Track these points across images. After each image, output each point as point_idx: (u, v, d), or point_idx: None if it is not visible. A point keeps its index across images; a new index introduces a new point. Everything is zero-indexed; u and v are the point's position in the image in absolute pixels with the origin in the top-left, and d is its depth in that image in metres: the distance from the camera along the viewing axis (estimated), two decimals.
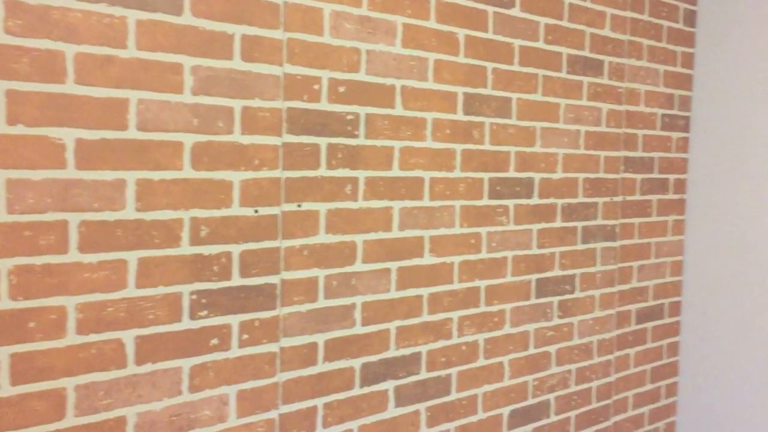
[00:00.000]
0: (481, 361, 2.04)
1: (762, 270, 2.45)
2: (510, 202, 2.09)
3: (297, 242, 1.63)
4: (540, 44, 2.11)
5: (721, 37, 2.53)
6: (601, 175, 2.34)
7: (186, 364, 1.48)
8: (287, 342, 1.63)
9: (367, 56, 1.72)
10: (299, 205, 1.63)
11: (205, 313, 1.50)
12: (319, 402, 1.69)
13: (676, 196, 2.61)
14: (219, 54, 1.49)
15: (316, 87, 1.64)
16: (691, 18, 2.58)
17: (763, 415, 2.47)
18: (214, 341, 1.51)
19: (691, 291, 2.65)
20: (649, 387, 2.59)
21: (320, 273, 1.67)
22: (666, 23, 2.49)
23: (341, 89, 1.68)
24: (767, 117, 2.42)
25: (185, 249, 1.46)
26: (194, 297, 1.48)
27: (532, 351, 2.19)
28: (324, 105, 1.65)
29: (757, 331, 2.47)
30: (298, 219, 1.63)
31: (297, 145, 1.62)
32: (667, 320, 2.63)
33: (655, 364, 2.60)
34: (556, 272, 2.23)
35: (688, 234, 2.65)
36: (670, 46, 2.52)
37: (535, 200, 2.15)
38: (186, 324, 1.47)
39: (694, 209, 2.63)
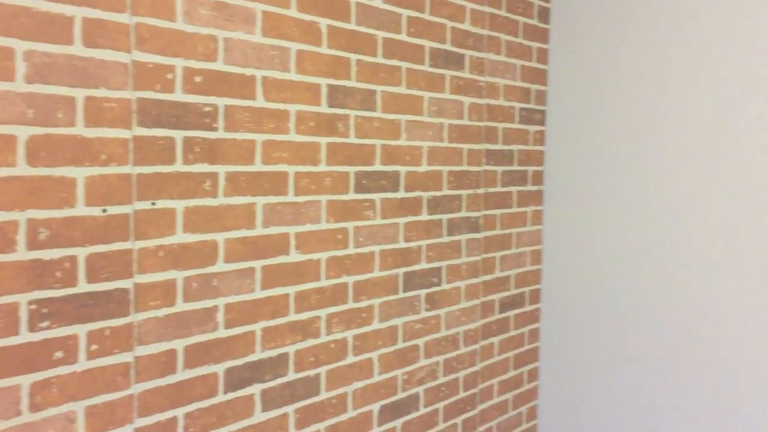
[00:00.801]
0: (351, 359, 2.01)
1: (614, 256, 2.58)
2: (376, 196, 2.06)
3: (151, 243, 1.52)
4: (403, 36, 2.10)
5: (573, 33, 2.63)
6: (465, 167, 2.37)
7: (25, 381, 1.33)
8: (143, 350, 1.51)
9: (224, 44, 1.63)
10: (153, 203, 1.52)
11: (46, 323, 1.35)
12: (180, 412, 1.59)
13: (535, 188, 2.70)
14: (57, 38, 1.35)
15: (169, 76, 1.53)
16: (545, 14, 2.67)
17: (618, 394, 2.60)
18: (59, 354, 1.38)
19: (550, 279, 2.75)
20: (512, 374, 2.66)
21: (178, 275, 1.57)
22: (522, 19, 2.56)
23: (197, 79, 1.58)
24: (617, 111, 2.55)
25: (22, 254, 1.31)
26: (33, 307, 1.33)
27: (401, 345, 2.18)
28: (179, 96, 1.55)
29: (611, 315, 2.61)
30: (153, 218, 1.52)
31: (149, 139, 1.50)
32: (528, 308, 2.72)
33: (517, 351, 2.68)
34: (423, 265, 2.24)
35: (545, 224, 2.75)
36: (526, 42, 2.59)
37: (401, 194, 2.14)
38: (24, 337, 1.33)
39: (551, 200, 2.73)
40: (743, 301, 2.32)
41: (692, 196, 2.40)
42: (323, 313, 1.92)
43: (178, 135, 1.55)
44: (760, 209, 2.27)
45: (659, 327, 2.50)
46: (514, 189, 2.59)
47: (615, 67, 2.55)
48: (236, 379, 1.71)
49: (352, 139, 1.97)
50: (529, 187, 2.67)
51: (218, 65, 1.62)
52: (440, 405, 2.34)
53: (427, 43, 2.18)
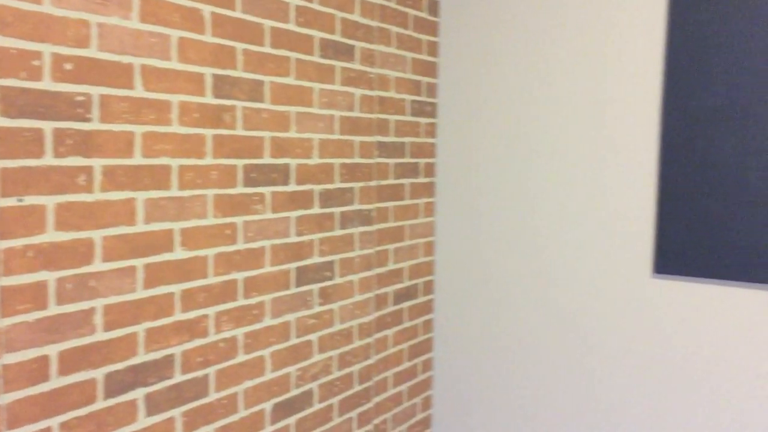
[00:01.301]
0: (241, 357, 1.95)
1: (505, 246, 2.64)
2: (266, 190, 2.01)
3: (19, 242, 1.41)
4: (291, 26, 2.05)
5: (462, 26, 2.66)
6: (357, 160, 2.35)
7: None
8: (11, 358, 1.41)
9: (98, 30, 1.53)
10: (20, 200, 1.41)
11: None
12: (54, 422, 1.49)
13: (427, 180, 2.72)
14: None
15: (36, 63, 1.42)
16: (435, 8, 2.69)
17: (511, 380, 2.67)
18: None
19: (443, 269, 2.78)
20: (406, 365, 2.68)
21: (50, 276, 1.47)
22: (412, 11, 2.56)
23: (68, 66, 1.48)
24: (504, 103, 2.60)
25: None
26: None
27: (293, 341, 2.14)
28: (47, 84, 1.44)
29: (503, 303, 2.66)
30: (20, 215, 1.41)
31: (14, 130, 1.39)
32: (421, 299, 2.74)
33: (411, 343, 2.70)
34: (316, 259, 2.20)
35: (438, 215, 2.78)
36: (417, 35, 2.60)
37: (292, 187, 2.10)
38: None
39: (443, 191, 2.76)
40: (627, 289, 2.42)
41: (579, 186, 2.49)
42: (211, 311, 1.85)
43: (48, 126, 1.45)
44: (635, 201, 2.38)
45: (549, 315, 2.57)
46: (406, 181, 2.60)
47: (502, 61, 2.60)
48: (117, 384, 1.62)
49: (240, 131, 1.91)
50: (422, 179, 2.69)
51: (91, 52, 1.52)
52: (335, 400, 2.32)
53: (317, 34, 2.14)
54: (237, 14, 1.87)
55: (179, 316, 1.76)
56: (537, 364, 2.61)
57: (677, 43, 2.27)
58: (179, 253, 1.75)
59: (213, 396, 1.87)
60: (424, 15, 2.62)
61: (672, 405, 2.37)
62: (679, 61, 2.27)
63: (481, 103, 2.65)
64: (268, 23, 1.97)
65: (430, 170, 2.73)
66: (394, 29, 2.47)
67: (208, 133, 1.81)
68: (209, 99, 1.81)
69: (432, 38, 2.69)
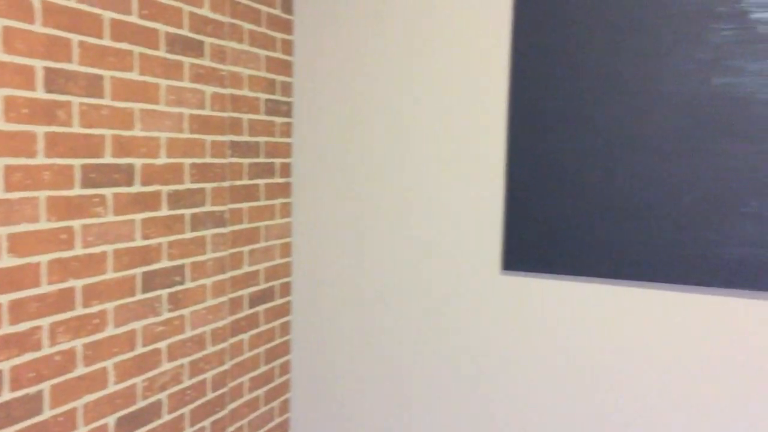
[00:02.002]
0: (81, 370, 1.83)
1: (362, 246, 2.65)
2: (108, 191, 1.89)
3: None
4: (134, 18, 1.94)
5: (316, 25, 2.64)
6: (208, 159, 2.27)
7: None
8: None
9: None
10: None
11: None
12: None
13: (283, 180, 2.68)
14: None
15: None
16: (288, 5, 2.65)
17: (370, 381, 2.68)
18: None
19: (300, 271, 2.75)
20: (263, 369, 2.62)
21: None
22: (265, 8, 2.51)
23: None
24: (360, 102, 2.61)
25: None
26: None
27: (140, 350, 2.03)
28: None
29: (361, 303, 2.67)
30: None
31: None
32: (278, 301, 2.69)
33: (268, 346, 2.65)
34: (165, 263, 2.11)
35: (294, 216, 2.74)
36: (270, 32, 2.55)
37: (137, 188, 1.99)
38: None
39: (299, 192, 2.73)
40: (478, 286, 2.50)
41: (430, 186, 2.53)
42: (45, 322, 1.72)
43: None
44: (485, 201, 2.46)
45: (404, 313, 2.61)
46: (261, 182, 2.55)
47: (357, 60, 2.60)
48: None
49: (77, 129, 1.78)
50: (277, 180, 2.64)
51: None
52: (186, 409, 2.23)
53: (163, 27, 2.05)
54: (71, 4, 1.75)
55: (7, 329, 1.62)
56: (394, 363, 2.64)
57: (522, 50, 2.37)
58: (7, 261, 1.61)
59: (48, 413, 1.74)
60: (277, 12, 2.58)
61: (522, 395, 2.47)
62: (524, 67, 2.37)
63: (337, 102, 2.64)
64: (108, 14, 1.86)
65: (286, 170, 2.69)
66: (247, 26, 2.41)
67: (40, 130, 1.68)
68: (40, 94, 1.68)
69: (287, 36, 2.65)
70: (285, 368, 2.77)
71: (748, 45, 2.13)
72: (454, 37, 2.46)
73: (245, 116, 2.43)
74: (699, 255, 2.21)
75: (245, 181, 2.45)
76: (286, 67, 2.65)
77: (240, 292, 2.46)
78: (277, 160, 2.64)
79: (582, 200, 2.33)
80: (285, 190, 2.70)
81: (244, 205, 2.46)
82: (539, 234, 2.39)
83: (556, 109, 2.34)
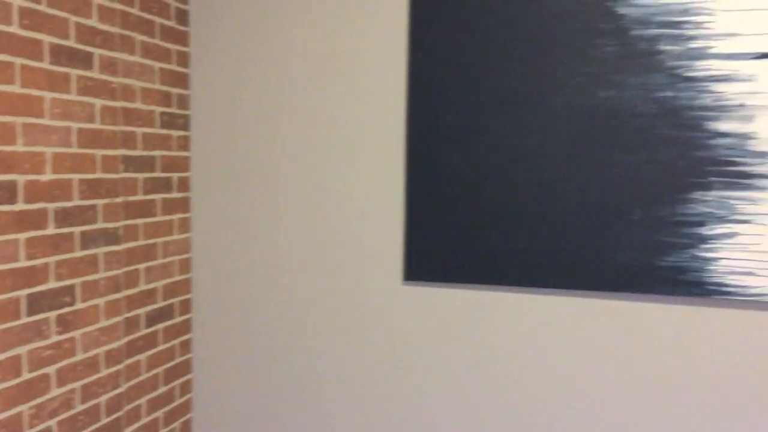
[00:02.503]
0: None
1: (262, 258, 2.61)
2: None
3: None
4: (15, 29, 1.86)
5: (213, 37, 2.60)
6: (99, 175, 2.19)
7: None
8: None
9: None
10: None
11: None
12: None
13: (180, 195, 2.61)
14: None
15: None
16: (183, 17, 2.60)
17: (273, 394, 2.64)
18: None
19: (201, 287, 2.69)
20: (162, 390, 2.54)
21: None
22: (158, 20, 2.45)
23: None
24: (258, 115, 2.58)
25: None
26: None
27: (26, 376, 1.93)
28: None
29: (261, 317, 2.63)
30: None
31: None
32: (178, 319, 2.62)
33: (168, 366, 2.57)
34: (52, 284, 2.01)
35: (194, 231, 2.68)
36: (164, 44, 2.49)
37: (20, 206, 1.90)
38: None
39: (198, 207, 2.67)
40: (380, 297, 2.51)
41: (332, 198, 2.53)
42: None
43: None
44: (386, 213, 2.48)
45: (307, 326, 2.59)
46: (158, 197, 2.48)
47: (254, 72, 2.57)
48: None
49: None
50: (175, 195, 2.58)
51: None
52: None
53: (47, 38, 1.96)
54: None
55: None
56: (299, 377, 2.61)
57: (419, 64, 2.41)
58: None
59: None
60: (172, 24, 2.52)
61: (426, 403, 2.50)
62: (422, 80, 2.41)
63: (235, 114, 2.61)
64: None
65: (184, 185, 2.63)
66: (139, 37, 2.34)
67: None
68: None
69: (182, 48, 2.59)
70: (186, 387, 2.69)
71: (630, 60, 2.24)
72: (352, 52, 2.48)
73: (139, 130, 2.36)
74: (590, 261, 2.30)
75: (140, 197, 2.38)
76: (181, 80, 2.60)
77: (136, 311, 2.38)
78: (175, 175, 2.57)
79: (480, 210, 2.39)
80: (183, 204, 2.63)
81: (140, 221, 2.38)
82: (439, 244, 2.43)
83: (454, 122, 2.39)
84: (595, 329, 2.33)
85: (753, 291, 2.18)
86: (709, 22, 2.17)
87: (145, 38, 2.37)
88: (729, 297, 2.20)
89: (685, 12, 2.19)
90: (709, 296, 2.21)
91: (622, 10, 2.24)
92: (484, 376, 2.44)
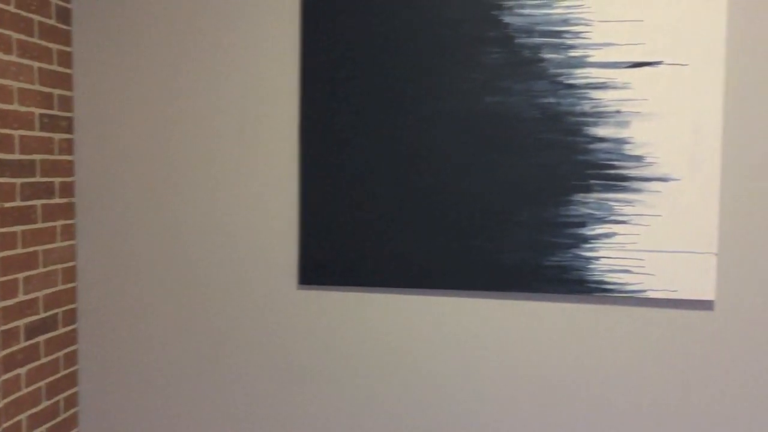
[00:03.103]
0: None
1: (153, 264, 2.54)
2: None
3: None
4: None
5: (98, 36, 2.51)
6: None
7: None
8: None
9: None
10: None
11: None
12: None
13: (64, 200, 2.50)
14: None
15: None
16: (65, 15, 2.49)
17: (163, 403, 2.57)
18: None
19: (87, 296, 2.58)
20: (45, 404, 2.43)
21: None
22: (37, 18, 2.34)
23: None
24: (147, 118, 2.51)
25: None
26: None
27: None
28: None
29: (152, 324, 2.56)
30: None
31: None
32: (62, 330, 2.51)
33: (51, 379, 2.46)
34: None
35: (79, 238, 2.57)
36: (45, 43, 2.38)
37: None
38: None
39: (84, 212, 2.56)
40: (276, 301, 2.49)
41: (225, 202, 2.49)
42: None
43: None
44: (280, 216, 2.46)
45: (201, 332, 2.53)
46: (38, 202, 2.36)
47: (142, 72, 2.50)
48: None
49: None
50: (57, 200, 2.47)
51: None
52: None
53: None
54: None
55: None
56: (191, 386, 2.55)
57: (312, 68, 2.41)
58: None
59: None
60: (52, 23, 2.42)
61: (322, 405, 2.49)
62: (315, 84, 2.41)
63: (121, 116, 2.52)
64: None
65: (67, 190, 2.52)
66: (15, 35, 2.23)
67: None
68: None
69: (65, 48, 2.49)
70: (71, 401, 2.58)
71: (515, 67, 2.32)
72: (243, 51, 2.45)
73: (16, 132, 2.25)
74: (481, 262, 2.37)
75: (18, 203, 2.26)
76: (64, 81, 2.49)
77: (14, 323, 2.26)
78: (57, 179, 2.46)
79: (374, 213, 2.41)
80: (67, 210, 2.52)
81: (17, 229, 2.27)
82: (334, 247, 2.43)
83: (347, 125, 2.40)
84: (485, 328, 2.39)
85: (630, 288, 2.29)
86: (587, 32, 2.28)
87: (22, 36, 2.26)
88: (608, 294, 2.31)
89: (565, 22, 2.29)
90: (590, 293, 2.32)
91: (507, 19, 2.31)
92: (377, 378, 2.46)
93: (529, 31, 2.30)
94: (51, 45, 2.41)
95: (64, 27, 2.48)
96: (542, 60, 2.30)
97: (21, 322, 2.29)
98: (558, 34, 2.29)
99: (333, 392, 2.48)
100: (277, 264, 2.48)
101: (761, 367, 2.26)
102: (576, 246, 2.32)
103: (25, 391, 2.32)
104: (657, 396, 2.32)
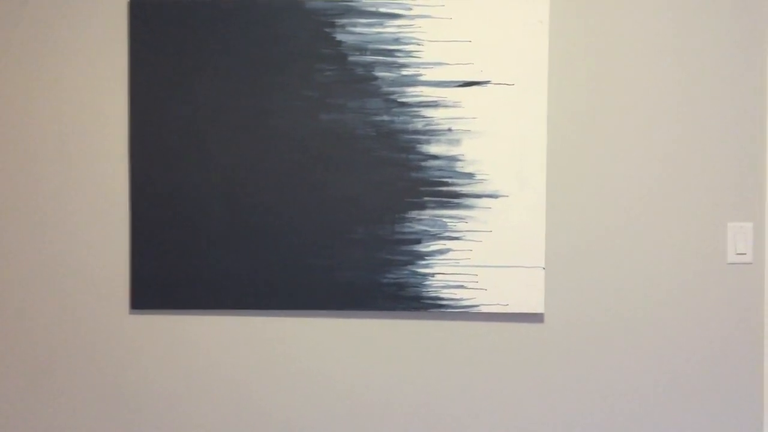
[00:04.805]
0: None
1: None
2: None
3: None
4: None
5: None
6: None
7: None
8: None
9: None
10: None
11: None
12: None
13: None
14: None
15: None
16: None
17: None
18: None
19: None
20: None
21: None
22: None
23: None
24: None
25: None
26: None
27: None
28: None
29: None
30: None
31: None
32: None
33: None
34: None
35: None
36: None
37: None
38: None
39: None
40: (107, 327, 2.37)
41: (62, 222, 2.36)
42: None
43: None
44: (110, 241, 2.35)
45: (38, 359, 2.38)
46: None
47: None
48: None
49: None
50: None
51: None
52: None
53: None
54: None
55: None
56: (28, 409, 2.39)
57: (140, 84, 2.32)
58: None
59: None
60: None
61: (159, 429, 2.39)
62: (143, 102, 2.32)
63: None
64: None
65: None
66: None
67: None
68: None
69: None
70: None
71: (349, 85, 2.32)
72: (73, 78, 2.33)
73: None
74: (316, 281, 2.34)
75: None
76: None
77: None
78: None
79: (206, 235, 2.33)
80: None
81: None
82: (166, 270, 2.34)
83: (177, 145, 2.33)
84: (322, 347, 2.36)
85: (464, 303, 2.33)
86: (419, 51, 2.31)
87: None
88: (443, 309, 2.33)
89: (397, 41, 2.31)
90: (426, 309, 2.33)
91: (339, 37, 2.31)
92: (213, 401, 2.38)
93: (362, 49, 2.31)
94: None
95: None
96: (375, 78, 2.32)
97: None
98: (390, 52, 2.31)
99: (164, 416, 2.38)
100: (109, 289, 2.36)
101: (591, 376, 2.35)
102: (412, 263, 2.33)
103: None
104: (492, 407, 2.36)
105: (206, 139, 2.32)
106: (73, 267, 2.36)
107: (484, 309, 2.33)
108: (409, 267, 2.34)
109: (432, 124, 2.32)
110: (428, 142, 2.32)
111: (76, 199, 2.35)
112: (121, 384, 2.38)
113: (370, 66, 2.31)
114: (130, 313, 2.38)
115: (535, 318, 2.35)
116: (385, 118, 2.32)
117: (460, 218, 2.33)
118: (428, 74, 2.31)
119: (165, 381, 2.38)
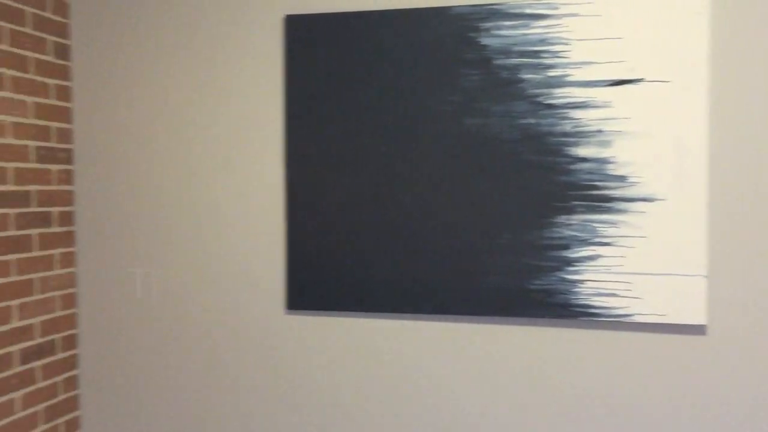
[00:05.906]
0: None
1: (151, 291, 2.59)
2: None
3: None
4: None
5: (97, 71, 2.60)
6: None
7: None
8: None
9: None
10: None
11: None
12: None
13: (62, 229, 2.59)
14: None
15: None
16: (64, 51, 2.59)
17: (165, 427, 2.61)
18: None
19: (88, 322, 2.66)
20: (43, 427, 2.49)
21: None
22: (32, 54, 2.44)
23: None
24: (147, 149, 2.58)
25: None
26: None
27: None
28: None
29: (151, 352, 2.61)
30: None
31: None
32: (60, 355, 2.58)
33: (49, 403, 2.53)
34: None
35: (80, 266, 2.65)
36: (40, 78, 2.48)
37: None
38: None
39: (84, 240, 2.65)
40: (264, 327, 2.51)
41: (216, 230, 2.53)
42: None
43: None
44: (267, 243, 2.49)
45: (196, 358, 2.57)
46: (34, 231, 2.45)
47: (141, 105, 2.58)
48: None
49: None
50: (55, 229, 2.55)
51: None
52: None
53: None
54: None
55: None
56: (188, 410, 2.59)
57: (295, 97, 2.44)
58: None
59: None
60: (49, 59, 2.52)
61: (311, 429, 2.49)
62: (298, 112, 2.44)
63: (120, 147, 2.60)
64: None
65: (66, 219, 2.61)
66: (9, 72, 2.34)
67: None
68: None
69: (63, 82, 2.59)
70: (73, 425, 2.64)
71: (493, 89, 2.29)
72: (231, 83, 2.50)
73: (10, 165, 2.34)
74: (463, 286, 2.33)
75: (12, 232, 2.35)
76: (62, 114, 2.59)
77: (8, 349, 2.34)
78: (55, 209, 2.55)
79: (359, 239, 2.40)
80: (65, 239, 2.61)
81: (12, 257, 2.35)
82: (321, 273, 2.44)
83: (331, 153, 2.42)
84: (468, 353, 2.35)
85: (616, 312, 2.22)
86: (566, 51, 2.24)
87: (16, 73, 2.36)
88: (594, 318, 2.24)
89: (543, 42, 2.25)
90: (576, 318, 2.25)
91: (484, 41, 2.30)
92: (367, 402, 2.44)
93: (507, 52, 2.28)
94: (48, 80, 2.52)
95: (63, 62, 2.59)
96: (521, 80, 2.28)
97: (15, 348, 2.37)
98: (536, 54, 2.26)
99: (318, 415, 2.48)
100: (266, 290, 2.50)
101: (759, 394, 2.15)
102: (560, 269, 2.26)
103: (20, 414, 2.39)
104: (647, 424, 2.23)
105: (357, 146, 2.40)
106: (234, 268, 2.52)
107: (638, 318, 2.21)
108: (557, 273, 2.27)
109: (580, 126, 2.24)
110: (577, 144, 2.24)
111: (238, 206, 2.51)
112: (274, 382, 2.50)
113: (515, 68, 2.28)
114: (286, 313, 2.50)
115: (696, 330, 2.19)
116: (531, 120, 2.27)
117: (611, 223, 2.23)
118: (576, 74, 2.24)
119: (315, 380, 2.47)
